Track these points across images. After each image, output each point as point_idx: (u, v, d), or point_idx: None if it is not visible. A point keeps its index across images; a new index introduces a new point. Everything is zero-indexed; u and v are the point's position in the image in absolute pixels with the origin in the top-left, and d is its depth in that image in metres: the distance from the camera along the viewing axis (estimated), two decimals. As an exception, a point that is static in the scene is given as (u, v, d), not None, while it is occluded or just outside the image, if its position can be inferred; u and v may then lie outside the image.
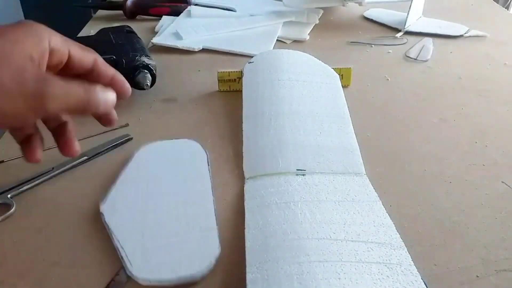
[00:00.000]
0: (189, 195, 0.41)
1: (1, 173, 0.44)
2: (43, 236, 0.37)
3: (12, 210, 0.40)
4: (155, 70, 0.57)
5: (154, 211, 0.39)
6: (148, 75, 0.55)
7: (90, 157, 0.46)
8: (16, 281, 0.33)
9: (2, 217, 0.39)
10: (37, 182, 0.43)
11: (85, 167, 0.45)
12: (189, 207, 0.39)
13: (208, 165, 0.44)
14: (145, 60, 0.56)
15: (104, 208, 0.39)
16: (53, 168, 0.44)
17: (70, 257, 0.35)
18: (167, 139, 0.48)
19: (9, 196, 0.41)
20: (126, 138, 0.49)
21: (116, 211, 0.39)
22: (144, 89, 0.55)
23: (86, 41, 0.65)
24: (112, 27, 0.68)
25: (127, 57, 0.56)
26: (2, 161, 0.46)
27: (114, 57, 0.56)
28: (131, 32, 0.66)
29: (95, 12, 0.90)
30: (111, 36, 0.63)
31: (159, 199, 0.40)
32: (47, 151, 0.45)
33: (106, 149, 0.47)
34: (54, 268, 0.34)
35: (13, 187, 0.42)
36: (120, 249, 0.35)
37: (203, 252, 0.35)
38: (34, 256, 0.35)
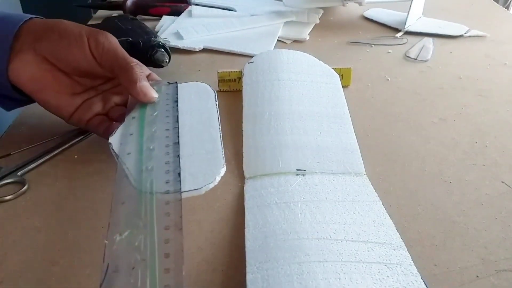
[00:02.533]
0: (197, 125, 0.42)
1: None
2: (43, 236, 0.37)
3: (25, 188, 0.42)
4: (170, 50, 0.61)
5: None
6: (165, 53, 0.59)
7: (85, 135, 0.49)
8: (16, 280, 0.33)
9: (16, 194, 0.41)
10: (41, 160, 0.45)
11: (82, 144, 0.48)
12: (195, 134, 0.40)
13: (216, 100, 0.45)
14: (160, 40, 0.60)
15: (113, 139, 0.40)
16: (52, 147, 0.46)
17: (70, 257, 0.35)
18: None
19: (18, 174, 0.43)
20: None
21: (124, 141, 0.39)
22: (163, 66, 0.59)
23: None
24: (115, 16, 0.69)
25: (142, 39, 0.59)
26: (9, 154, 0.46)
27: (130, 39, 0.58)
28: (135, 19, 0.68)
29: (95, 12, 0.90)
30: (118, 23, 0.64)
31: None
32: (47, 133, 0.47)
33: None
34: (54, 268, 0.34)
35: (20, 166, 0.44)
36: (127, 171, 0.35)
37: (207, 170, 0.36)
38: (34, 256, 0.35)
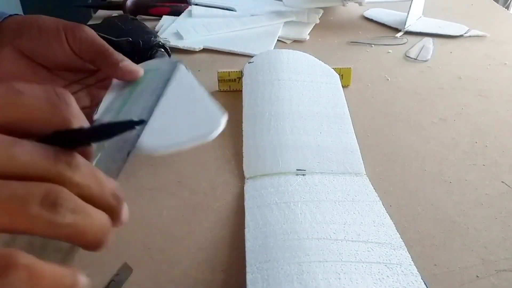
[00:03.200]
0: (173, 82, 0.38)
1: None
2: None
3: None
4: (169, 50, 0.62)
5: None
6: (165, 53, 0.60)
7: None
8: (16, 281, 0.33)
9: None
10: None
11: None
12: (177, 93, 0.36)
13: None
14: (160, 40, 0.61)
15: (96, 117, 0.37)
16: None
17: (70, 257, 0.35)
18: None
19: None
20: None
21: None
22: None
23: (95, 29, 0.67)
24: (115, 16, 0.69)
25: (142, 39, 0.60)
26: None
27: (130, 39, 0.58)
28: (135, 19, 0.68)
29: (95, 12, 0.90)
30: (119, 23, 0.65)
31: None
32: None
33: None
34: (54, 268, 0.34)
35: None
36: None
37: (208, 116, 0.32)
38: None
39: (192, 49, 0.69)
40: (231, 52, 0.69)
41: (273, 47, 0.71)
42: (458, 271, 0.34)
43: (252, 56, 0.60)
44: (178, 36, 0.73)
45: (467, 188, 0.42)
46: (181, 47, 0.70)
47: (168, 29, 0.76)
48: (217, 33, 0.74)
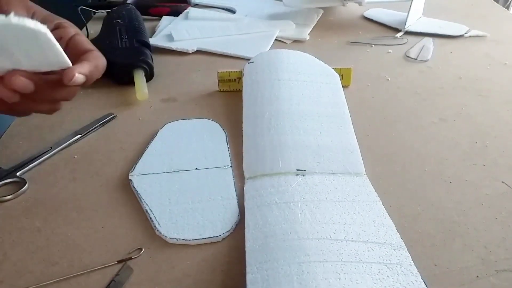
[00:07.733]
0: (210, 168, 0.44)
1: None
2: (43, 236, 0.37)
3: (25, 187, 0.42)
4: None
5: (179, 181, 0.42)
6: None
7: (83, 135, 0.50)
8: (16, 280, 0.33)
9: (15, 194, 0.41)
10: (39, 160, 0.46)
11: (80, 144, 0.49)
12: (211, 178, 0.43)
13: (227, 142, 0.48)
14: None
15: (133, 175, 0.43)
16: (51, 147, 0.47)
17: (71, 257, 0.35)
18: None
19: (18, 174, 0.44)
20: (111, 116, 0.53)
21: (144, 179, 0.42)
22: None
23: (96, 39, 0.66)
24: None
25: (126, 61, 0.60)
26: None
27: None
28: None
29: (95, 13, 0.90)
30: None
31: (183, 170, 0.43)
32: (46, 132, 0.48)
33: (94, 128, 0.51)
34: (54, 268, 0.34)
35: (19, 166, 0.44)
36: (149, 212, 0.39)
37: (224, 217, 0.38)
38: (34, 256, 0.35)
39: (185, 51, 0.69)
40: (224, 54, 0.69)
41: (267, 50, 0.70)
42: (458, 271, 0.34)
43: (245, 59, 0.60)
44: (170, 38, 0.73)
45: (467, 188, 0.42)
46: (174, 49, 0.70)
47: (164, 30, 0.75)
48: (210, 37, 0.74)
